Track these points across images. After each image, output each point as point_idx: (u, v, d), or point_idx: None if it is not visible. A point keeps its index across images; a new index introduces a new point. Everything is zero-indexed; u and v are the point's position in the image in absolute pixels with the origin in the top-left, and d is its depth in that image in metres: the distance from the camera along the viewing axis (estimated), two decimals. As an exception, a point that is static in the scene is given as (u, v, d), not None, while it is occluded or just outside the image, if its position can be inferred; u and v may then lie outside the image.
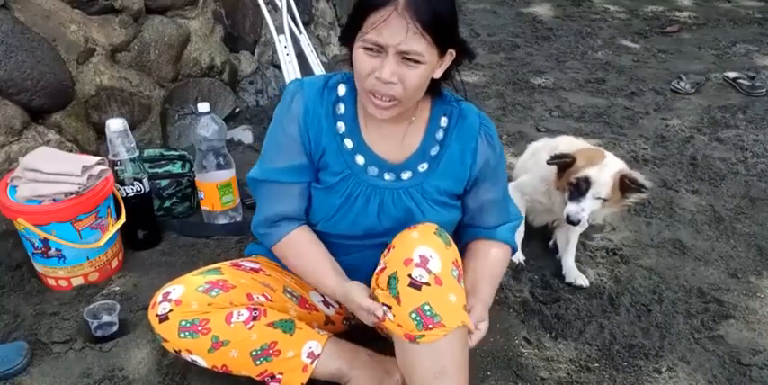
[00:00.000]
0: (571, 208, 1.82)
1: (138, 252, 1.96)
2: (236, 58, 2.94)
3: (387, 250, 1.26)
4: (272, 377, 1.36)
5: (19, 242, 1.77)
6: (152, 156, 2.17)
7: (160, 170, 2.11)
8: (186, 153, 2.23)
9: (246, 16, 2.98)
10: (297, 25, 2.69)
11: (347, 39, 1.21)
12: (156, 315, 1.32)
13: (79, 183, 1.67)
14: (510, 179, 2.24)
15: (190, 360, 1.35)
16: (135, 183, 1.86)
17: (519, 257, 2.00)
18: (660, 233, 2.22)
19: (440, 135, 1.35)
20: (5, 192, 1.68)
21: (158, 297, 1.35)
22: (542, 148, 2.12)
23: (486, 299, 1.34)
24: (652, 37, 4.50)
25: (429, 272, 1.16)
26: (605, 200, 1.82)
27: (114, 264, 1.85)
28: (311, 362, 1.35)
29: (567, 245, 2.00)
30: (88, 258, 1.76)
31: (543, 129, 2.99)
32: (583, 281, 1.91)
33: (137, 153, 1.86)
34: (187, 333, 1.30)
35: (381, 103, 1.20)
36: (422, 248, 1.19)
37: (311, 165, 1.34)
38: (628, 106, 3.32)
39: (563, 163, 1.84)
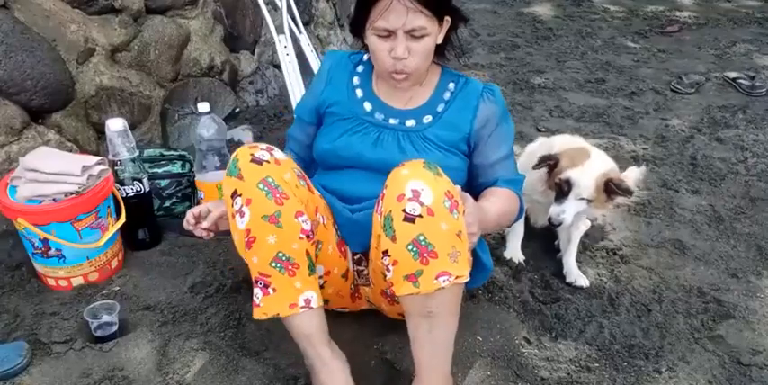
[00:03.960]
0: (553, 209, 1.82)
1: (138, 252, 1.95)
2: (236, 58, 2.94)
3: (381, 195, 1.28)
4: (266, 286, 1.33)
5: (19, 242, 1.77)
6: (152, 156, 2.17)
7: (160, 170, 2.11)
8: (186, 153, 2.23)
9: (246, 16, 2.98)
10: (297, 25, 2.69)
11: (357, 29, 1.43)
12: (252, 155, 1.31)
13: (79, 183, 1.67)
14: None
15: (235, 208, 1.30)
16: (135, 183, 1.86)
17: (519, 257, 2.00)
18: (660, 233, 2.22)
19: (446, 96, 1.53)
20: (5, 192, 1.68)
21: (261, 144, 1.35)
22: (540, 147, 2.11)
23: (486, 206, 1.41)
24: (652, 37, 4.50)
25: (421, 204, 1.20)
26: (590, 201, 1.81)
27: (114, 264, 1.85)
28: (301, 307, 1.33)
29: (569, 244, 2.00)
30: (88, 258, 1.76)
31: (543, 129, 2.99)
32: (583, 281, 1.91)
33: (137, 153, 1.86)
34: (267, 189, 1.28)
35: (399, 77, 1.42)
36: (413, 182, 1.22)
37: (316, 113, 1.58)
38: (628, 106, 3.32)
39: (548, 165, 1.83)
